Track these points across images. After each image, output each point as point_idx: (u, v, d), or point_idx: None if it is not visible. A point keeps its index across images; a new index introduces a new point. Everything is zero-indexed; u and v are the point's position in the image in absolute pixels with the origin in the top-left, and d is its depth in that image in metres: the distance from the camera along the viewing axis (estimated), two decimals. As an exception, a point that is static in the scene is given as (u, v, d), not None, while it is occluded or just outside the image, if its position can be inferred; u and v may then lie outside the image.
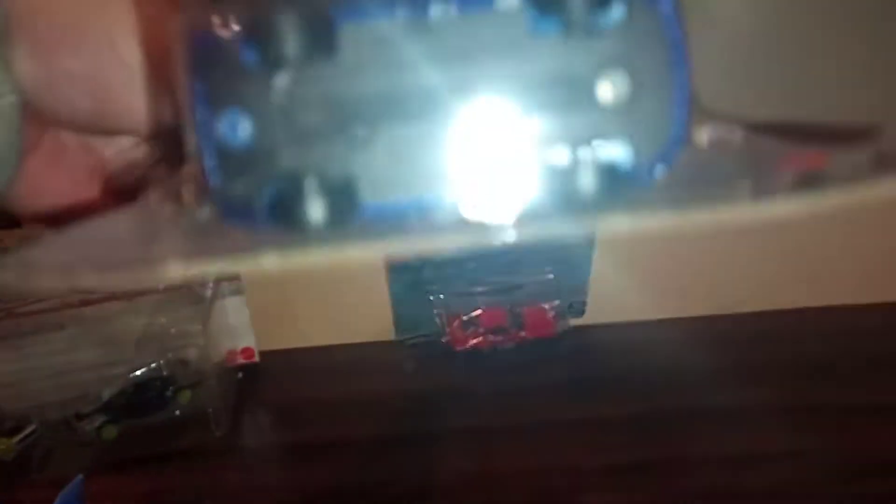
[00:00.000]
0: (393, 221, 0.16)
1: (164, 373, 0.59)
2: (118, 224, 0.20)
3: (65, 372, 0.59)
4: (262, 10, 0.15)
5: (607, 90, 0.15)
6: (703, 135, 0.17)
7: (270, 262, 0.15)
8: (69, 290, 0.18)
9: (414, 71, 0.15)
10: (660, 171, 0.16)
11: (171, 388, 0.59)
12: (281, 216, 0.16)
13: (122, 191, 0.34)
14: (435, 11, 0.15)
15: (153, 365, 0.59)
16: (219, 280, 0.65)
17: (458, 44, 0.15)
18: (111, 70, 0.30)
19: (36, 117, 0.32)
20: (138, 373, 0.59)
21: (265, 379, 0.70)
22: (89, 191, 0.34)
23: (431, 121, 0.16)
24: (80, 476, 0.51)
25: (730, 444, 0.49)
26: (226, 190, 0.17)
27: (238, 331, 0.68)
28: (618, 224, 0.15)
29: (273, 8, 0.15)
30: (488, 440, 0.55)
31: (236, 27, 0.16)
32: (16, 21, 0.28)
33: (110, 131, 0.35)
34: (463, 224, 0.16)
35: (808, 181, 0.16)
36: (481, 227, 0.16)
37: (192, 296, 0.62)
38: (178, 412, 0.60)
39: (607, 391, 0.59)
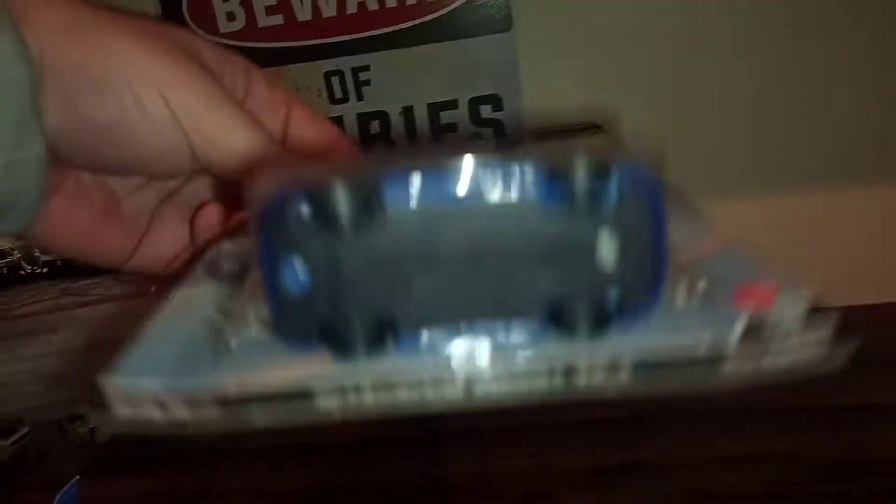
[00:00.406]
0: (422, 349, 0.20)
1: (158, 375, 0.59)
2: (186, 331, 0.23)
3: (58, 374, 0.59)
4: (322, 182, 0.19)
5: (604, 250, 0.19)
6: (678, 290, 0.21)
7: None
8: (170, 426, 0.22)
9: (443, 235, 0.20)
10: (643, 315, 0.20)
11: (164, 390, 0.60)
12: (331, 344, 0.20)
13: (132, 225, 0.36)
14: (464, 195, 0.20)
15: (146, 367, 0.59)
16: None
17: (481, 214, 0.20)
18: (135, 121, 0.31)
19: (60, 162, 0.33)
20: (132, 375, 0.59)
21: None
22: (104, 225, 0.35)
23: (457, 272, 0.20)
24: (76, 477, 0.51)
25: (718, 444, 0.50)
26: (284, 323, 0.20)
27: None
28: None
29: (331, 181, 0.19)
30: (483, 441, 0.55)
31: (300, 193, 0.19)
32: (48, 74, 0.29)
33: (129, 174, 0.36)
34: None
35: (754, 328, 0.21)
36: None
37: (185, 298, 0.63)
38: (171, 414, 0.60)
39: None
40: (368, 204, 0.19)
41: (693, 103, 0.69)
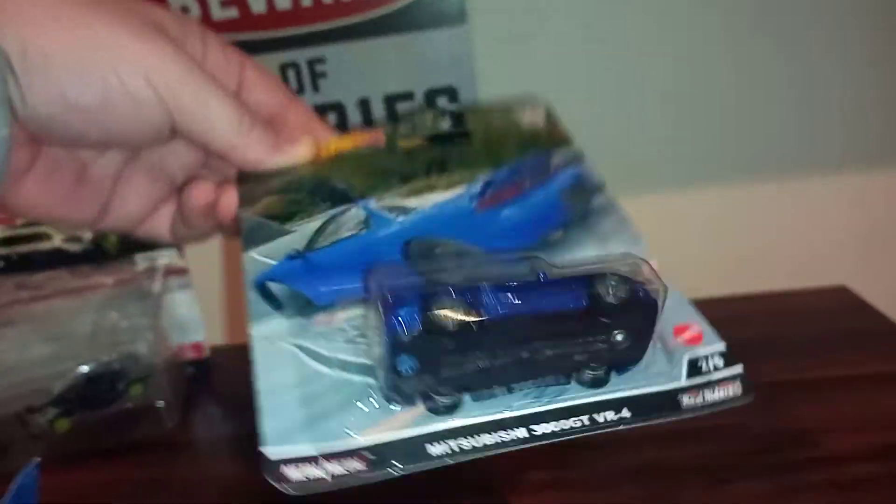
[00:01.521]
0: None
1: (116, 366, 0.60)
2: (301, 393, 0.32)
3: (16, 367, 0.59)
4: (433, 301, 0.28)
5: (618, 339, 0.31)
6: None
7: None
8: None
9: (513, 333, 0.29)
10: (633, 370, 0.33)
11: (122, 381, 0.60)
12: (429, 406, 0.30)
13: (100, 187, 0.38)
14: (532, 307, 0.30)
15: (104, 359, 0.60)
16: (167, 274, 0.66)
17: (542, 318, 0.30)
18: (121, 103, 0.33)
19: (33, 141, 0.34)
20: (90, 367, 0.59)
21: (217, 373, 0.72)
22: (76, 191, 0.37)
23: (514, 374, 0.31)
24: (37, 459, 0.51)
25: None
26: (394, 391, 0.30)
27: (188, 325, 0.69)
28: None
29: (442, 300, 0.28)
30: None
31: (416, 311, 0.28)
32: (32, 63, 0.30)
33: (110, 148, 0.37)
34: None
35: (693, 362, 0.34)
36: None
37: (142, 291, 0.63)
38: (129, 405, 0.60)
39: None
40: (469, 316, 0.29)
41: (640, 97, 0.70)
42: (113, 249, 0.65)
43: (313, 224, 0.38)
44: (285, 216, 0.38)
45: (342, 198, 0.40)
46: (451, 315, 0.28)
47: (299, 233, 0.38)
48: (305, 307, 0.35)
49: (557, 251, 0.39)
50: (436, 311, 0.28)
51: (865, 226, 0.75)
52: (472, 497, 0.49)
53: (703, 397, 0.36)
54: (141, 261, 0.66)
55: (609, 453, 0.50)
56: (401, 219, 0.39)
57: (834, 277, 0.74)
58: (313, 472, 0.29)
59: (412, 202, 0.40)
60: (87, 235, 0.65)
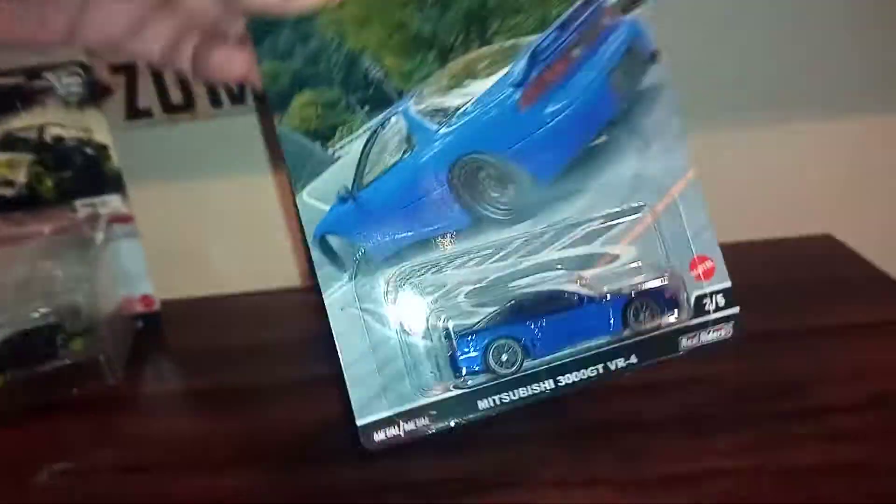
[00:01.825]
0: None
1: (53, 320, 0.55)
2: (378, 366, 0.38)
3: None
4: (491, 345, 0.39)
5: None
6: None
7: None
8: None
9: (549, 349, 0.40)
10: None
11: (60, 335, 0.56)
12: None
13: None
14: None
15: (39, 312, 0.55)
16: (111, 222, 0.61)
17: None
18: None
19: None
20: (24, 320, 0.55)
21: (169, 327, 0.67)
22: (45, 10, 0.36)
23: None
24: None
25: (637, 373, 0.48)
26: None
27: (134, 277, 0.64)
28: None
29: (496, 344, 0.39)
30: None
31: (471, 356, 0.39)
32: None
33: None
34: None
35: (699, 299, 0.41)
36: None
37: (82, 239, 0.58)
38: (69, 360, 0.56)
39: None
40: (517, 356, 0.39)
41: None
42: (49, 195, 0.60)
43: (356, 144, 0.38)
44: (326, 133, 0.38)
45: (379, 96, 0.39)
46: (504, 358, 0.39)
47: (343, 160, 0.38)
48: (365, 264, 0.39)
49: (600, 162, 0.40)
50: (491, 357, 0.39)
51: (849, 173, 0.72)
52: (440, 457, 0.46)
53: (699, 338, 0.41)
54: (81, 207, 0.61)
55: (581, 406, 0.47)
56: (443, 130, 0.39)
57: (817, 226, 0.71)
58: (391, 431, 0.38)
59: (454, 100, 0.39)
60: (21, 178, 0.60)
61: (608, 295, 0.40)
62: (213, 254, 0.73)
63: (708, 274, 0.41)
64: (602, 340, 0.40)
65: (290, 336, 0.63)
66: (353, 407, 0.37)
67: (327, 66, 0.38)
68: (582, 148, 0.40)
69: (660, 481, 0.41)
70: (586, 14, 0.41)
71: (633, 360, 0.40)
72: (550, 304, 0.40)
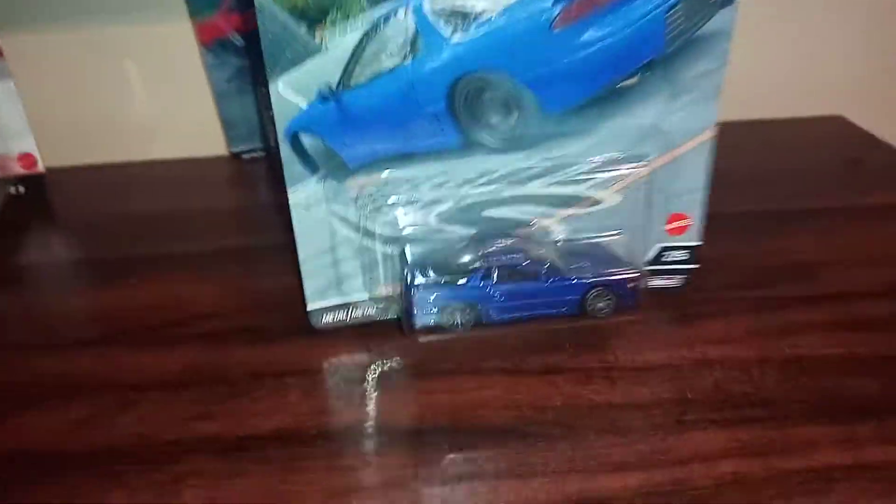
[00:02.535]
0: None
1: None
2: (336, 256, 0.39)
3: None
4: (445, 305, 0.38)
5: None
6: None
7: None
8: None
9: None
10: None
11: None
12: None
13: None
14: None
15: None
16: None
17: None
18: None
19: None
20: None
21: (58, 197, 0.58)
22: None
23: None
24: None
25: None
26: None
27: (10, 129, 0.53)
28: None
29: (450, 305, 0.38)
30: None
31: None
32: None
33: None
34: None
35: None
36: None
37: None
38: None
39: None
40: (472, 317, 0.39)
41: None
42: None
43: (350, 37, 0.33)
44: (315, 15, 0.32)
45: None
46: (457, 317, 0.38)
47: (331, 52, 0.33)
48: (339, 169, 0.36)
49: (619, 105, 0.36)
50: (446, 317, 0.38)
51: (863, 54, 0.67)
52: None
53: (644, 283, 0.40)
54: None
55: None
56: (456, 38, 0.34)
57: (830, 108, 0.66)
58: (339, 316, 0.40)
59: (478, 2, 0.33)
60: None
61: (574, 277, 0.38)
62: (110, 115, 0.62)
63: (680, 230, 0.40)
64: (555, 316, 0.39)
65: (208, 206, 0.55)
66: (306, 293, 0.39)
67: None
68: (608, 87, 0.36)
69: (640, 370, 0.37)
70: None
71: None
72: (514, 274, 0.38)
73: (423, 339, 0.38)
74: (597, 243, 0.40)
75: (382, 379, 0.37)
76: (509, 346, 0.38)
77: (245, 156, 0.60)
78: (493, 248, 0.38)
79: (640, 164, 0.37)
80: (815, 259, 0.45)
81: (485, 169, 0.37)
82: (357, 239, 0.38)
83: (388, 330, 0.40)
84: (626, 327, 0.39)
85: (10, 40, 0.53)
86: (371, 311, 0.40)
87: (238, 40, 0.54)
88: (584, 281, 0.38)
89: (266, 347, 0.39)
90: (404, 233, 0.38)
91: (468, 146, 0.36)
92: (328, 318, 0.39)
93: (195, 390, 0.36)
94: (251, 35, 0.53)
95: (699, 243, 0.40)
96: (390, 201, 0.37)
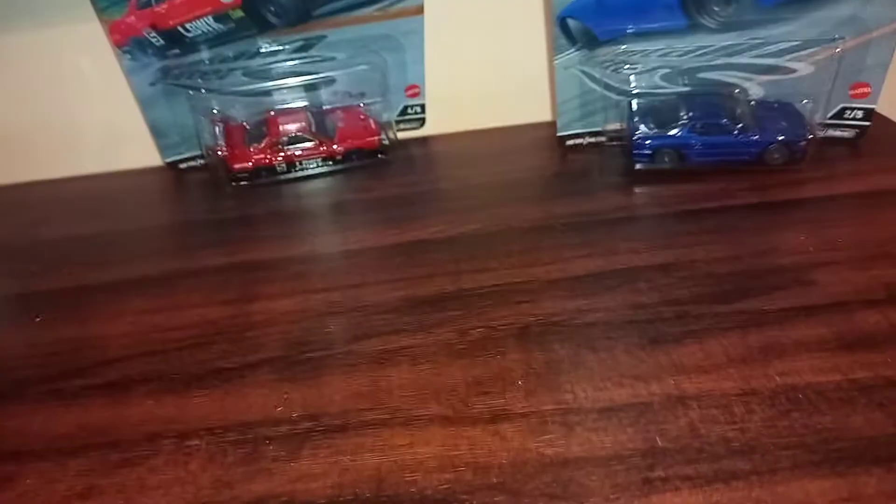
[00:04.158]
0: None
1: None
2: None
3: None
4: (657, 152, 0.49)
5: None
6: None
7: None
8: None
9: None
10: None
11: None
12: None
13: None
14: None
15: None
16: None
17: None
18: None
19: None
20: None
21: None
22: None
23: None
24: None
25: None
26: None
27: None
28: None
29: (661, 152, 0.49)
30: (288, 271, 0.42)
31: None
32: None
33: None
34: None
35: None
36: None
37: None
38: None
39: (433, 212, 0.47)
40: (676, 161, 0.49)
41: None
42: None
43: None
44: None
45: None
46: (666, 159, 0.48)
47: None
48: (591, 41, 0.49)
49: (821, 2, 0.45)
50: (657, 157, 0.48)
51: None
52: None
53: (826, 132, 0.49)
54: None
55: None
56: None
57: None
58: (581, 141, 0.53)
59: None
60: None
61: (757, 135, 0.47)
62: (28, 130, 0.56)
63: (862, 95, 0.48)
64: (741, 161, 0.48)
65: (137, 226, 0.49)
66: (558, 124, 0.53)
67: None
68: None
69: (602, 411, 0.31)
70: None
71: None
72: (712, 128, 0.47)
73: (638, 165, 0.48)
74: (785, 103, 0.49)
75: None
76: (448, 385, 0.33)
77: (182, 165, 0.55)
78: (700, 104, 0.48)
79: (835, 44, 0.46)
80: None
81: (702, 44, 0.48)
82: (599, 90, 0.51)
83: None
84: (587, 356, 0.34)
85: None
86: (602, 138, 0.53)
87: (156, 38, 0.48)
88: (765, 139, 0.47)
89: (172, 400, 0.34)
90: (633, 90, 0.50)
91: (691, 27, 0.48)
92: (572, 142, 0.54)
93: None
94: (170, 32, 0.48)
95: (874, 106, 0.49)
96: (625, 66, 0.49)
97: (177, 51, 0.49)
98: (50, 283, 0.44)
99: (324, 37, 0.50)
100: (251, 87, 0.51)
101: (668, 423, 0.30)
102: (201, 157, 0.54)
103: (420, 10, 0.50)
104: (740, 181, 0.46)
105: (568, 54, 0.49)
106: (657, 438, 0.29)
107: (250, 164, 0.51)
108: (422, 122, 0.57)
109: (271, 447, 0.31)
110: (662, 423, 0.30)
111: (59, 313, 0.41)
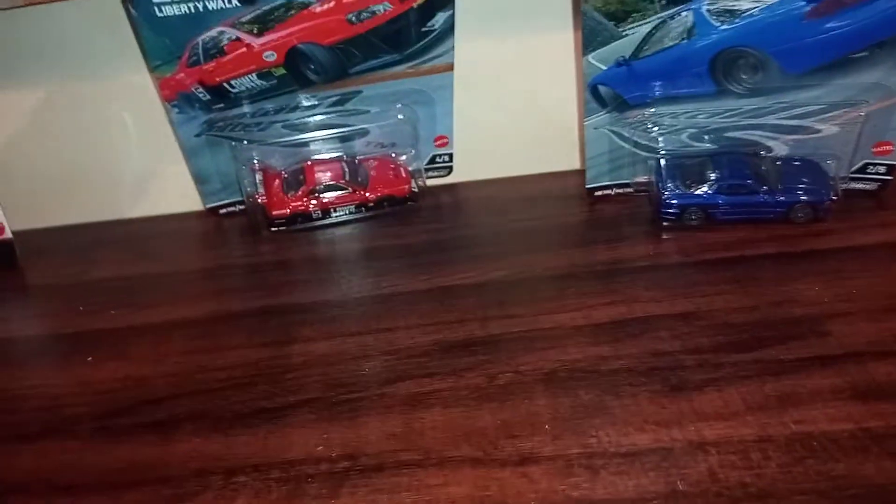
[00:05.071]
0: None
1: None
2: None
3: None
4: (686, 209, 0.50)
5: None
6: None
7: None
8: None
9: None
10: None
11: None
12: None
13: None
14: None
15: None
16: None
17: None
18: None
19: None
20: None
21: (30, 259, 0.55)
22: None
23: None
24: None
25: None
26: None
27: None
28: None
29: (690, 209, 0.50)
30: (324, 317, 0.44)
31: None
32: None
33: None
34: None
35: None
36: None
37: None
38: None
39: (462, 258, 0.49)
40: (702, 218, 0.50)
41: None
42: None
43: (644, 28, 0.48)
44: (621, 16, 0.47)
45: None
46: (693, 218, 0.49)
47: (630, 38, 0.48)
48: (621, 105, 0.51)
49: (848, 69, 0.47)
50: (685, 215, 0.49)
51: None
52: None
53: (850, 184, 0.50)
54: None
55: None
56: (724, 26, 0.47)
57: None
58: (609, 192, 0.54)
59: (744, 4, 0.46)
60: None
61: (783, 196, 0.48)
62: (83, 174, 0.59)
63: (885, 152, 0.49)
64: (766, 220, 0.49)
65: (178, 269, 0.52)
66: (587, 177, 0.54)
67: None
68: (840, 58, 0.47)
69: (626, 455, 0.32)
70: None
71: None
72: (739, 189, 0.48)
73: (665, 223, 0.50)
74: (810, 161, 0.50)
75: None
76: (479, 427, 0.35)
77: (222, 210, 0.58)
78: (726, 164, 0.50)
79: (859, 107, 0.48)
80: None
81: (730, 106, 0.49)
82: (628, 147, 0.52)
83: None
84: (611, 402, 0.35)
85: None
86: (630, 189, 0.54)
87: (203, 93, 0.52)
88: (790, 199, 0.48)
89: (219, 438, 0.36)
90: (661, 151, 0.52)
91: (719, 93, 0.49)
92: (599, 193, 0.55)
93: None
94: (216, 88, 0.51)
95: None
96: (654, 127, 0.51)
97: (221, 105, 0.52)
98: (98, 324, 0.46)
99: (359, 92, 0.53)
100: (290, 138, 0.54)
101: (688, 468, 0.32)
102: (241, 203, 0.57)
103: (450, 67, 0.53)
104: (761, 231, 0.48)
105: (598, 116, 0.51)
106: (678, 482, 0.31)
107: (287, 210, 0.54)
108: (449, 170, 0.59)
109: (313, 485, 0.33)
110: (683, 468, 0.32)
111: (107, 352, 0.44)
